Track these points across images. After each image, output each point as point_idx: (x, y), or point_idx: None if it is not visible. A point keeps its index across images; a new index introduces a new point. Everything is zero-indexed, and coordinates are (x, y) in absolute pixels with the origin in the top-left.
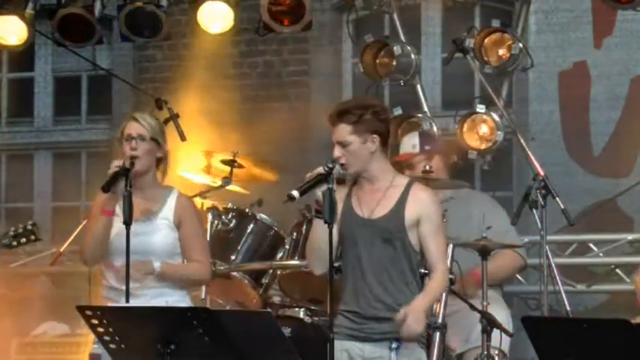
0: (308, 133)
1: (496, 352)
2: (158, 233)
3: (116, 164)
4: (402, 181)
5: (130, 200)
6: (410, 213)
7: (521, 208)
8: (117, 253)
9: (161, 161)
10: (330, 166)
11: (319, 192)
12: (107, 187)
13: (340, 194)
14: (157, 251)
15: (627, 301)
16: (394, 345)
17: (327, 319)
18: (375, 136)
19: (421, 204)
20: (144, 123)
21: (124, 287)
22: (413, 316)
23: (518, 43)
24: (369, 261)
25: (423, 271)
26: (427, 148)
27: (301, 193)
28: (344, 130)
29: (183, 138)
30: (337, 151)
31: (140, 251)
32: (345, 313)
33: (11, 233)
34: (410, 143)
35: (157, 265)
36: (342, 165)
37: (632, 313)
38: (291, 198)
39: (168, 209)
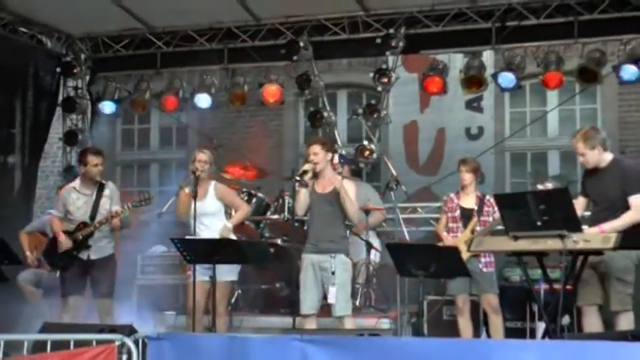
0: (283, 154)
1: (371, 261)
2: (211, 205)
3: (192, 170)
4: (337, 177)
5: (196, 188)
6: (342, 192)
7: (385, 190)
8: (198, 214)
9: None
10: (301, 170)
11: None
12: (184, 183)
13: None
14: (211, 213)
15: (435, 236)
16: (333, 255)
17: (292, 245)
18: (329, 154)
19: (347, 188)
20: (203, 153)
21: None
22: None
23: (384, 110)
24: (323, 215)
25: (347, 223)
26: (342, 161)
27: (300, 176)
28: (317, 148)
29: (220, 156)
30: (313, 157)
31: (205, 213)
32: (309, 242)
33: (137, 199)
34: (335, 158)
35: (229, 225)
36: (315, 164)
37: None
38: (303, 176)
39: (213, 191)
